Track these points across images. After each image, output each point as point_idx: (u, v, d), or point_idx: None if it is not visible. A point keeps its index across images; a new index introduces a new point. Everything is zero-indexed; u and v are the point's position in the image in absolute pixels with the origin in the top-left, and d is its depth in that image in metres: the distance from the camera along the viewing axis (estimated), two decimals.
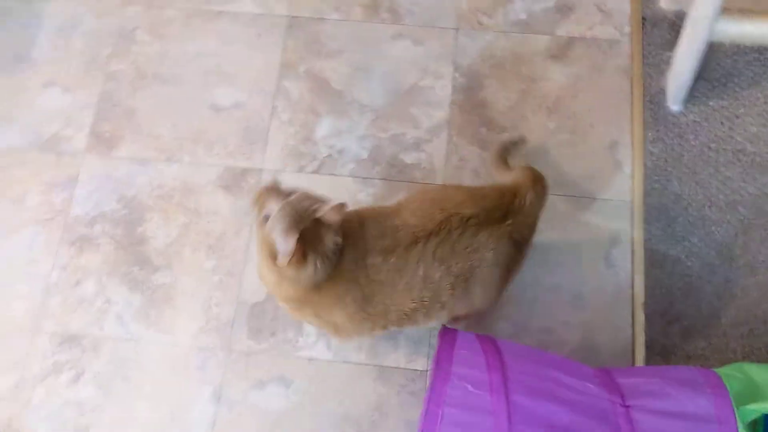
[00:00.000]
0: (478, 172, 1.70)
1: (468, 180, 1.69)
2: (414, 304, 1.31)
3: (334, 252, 1.24)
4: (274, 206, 1.20)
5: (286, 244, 1.16)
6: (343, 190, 1.70)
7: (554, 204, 1.64)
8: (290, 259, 1.17)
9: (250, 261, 1.65)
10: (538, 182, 1.40)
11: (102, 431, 1.54)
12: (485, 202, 1.31)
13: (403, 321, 1.35)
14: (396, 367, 1.54)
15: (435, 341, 1.55)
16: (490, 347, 1.29)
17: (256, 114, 1.79)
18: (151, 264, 1.66)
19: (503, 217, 1.31)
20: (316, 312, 1.35)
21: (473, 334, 1.34)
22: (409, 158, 1.73)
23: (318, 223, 1.21)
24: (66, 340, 1.61)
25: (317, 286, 1.26)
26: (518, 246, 1.35)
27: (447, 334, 1.32)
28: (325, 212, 1.21)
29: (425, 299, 1.30)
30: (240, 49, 1.86)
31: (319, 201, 1.23)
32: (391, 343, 1.56)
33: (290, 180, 1.68)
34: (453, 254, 1.27)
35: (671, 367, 1.38)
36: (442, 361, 1.24)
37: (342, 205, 1.22)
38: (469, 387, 1.19)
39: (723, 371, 1.24)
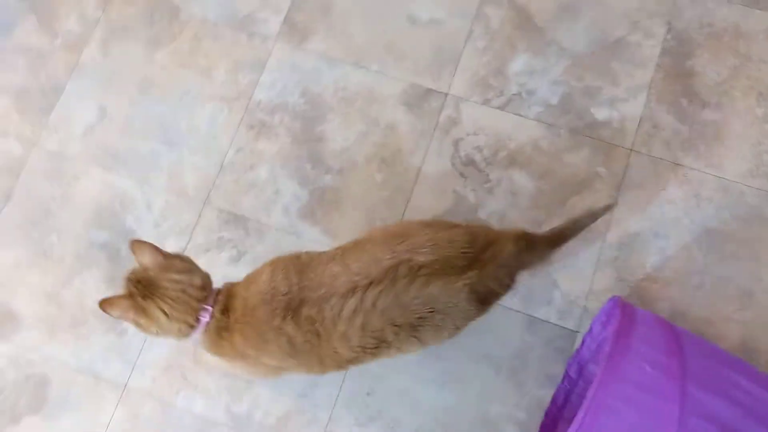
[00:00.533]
0: (669, 143, 1.63)
1: (656, 151, 1.62)
2: (354, 353, 1.20)
3: (183, 291, 1.18)
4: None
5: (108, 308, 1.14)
6: (525, 133, 1.66)
7: (743, 194, 1.57)
8: (131, 315, 1.15)
9: (420, 182, 1.65)
10: (522, 239, 1.26)
11: None
12: (447, 249, 1.17)
13: (348, 364, 1.25)
14: (546, 321, 1.54)
15: (590, 305, 1.54)
16: (668, 331, 1.27)
17: (452, 35, 1.75)
18: (324, 164, 1.68)
19: (466, 268, 1.17)
20: (244, 361, 1.26)
21: (652, 314, 1.32)
22: (600, 114, 1.67)
23: (160, 270, 1.17)
24: (232, 220, 1.66)
25: (220, 335, 1.22)
26: (481, 300, 1.21)
27: (626, 307, 1.30)
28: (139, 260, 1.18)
29: (368, 346, 1.20)
30: None
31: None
32: (545, 296, 1.56)
33: (472, 112, 1.65)
34: (397, 305, 1.15)
35: None
36: (622, 334, 1.23)
37: (135, 242, 1.18)
38: (647, 367, 1.18)
39: None
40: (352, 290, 1.15)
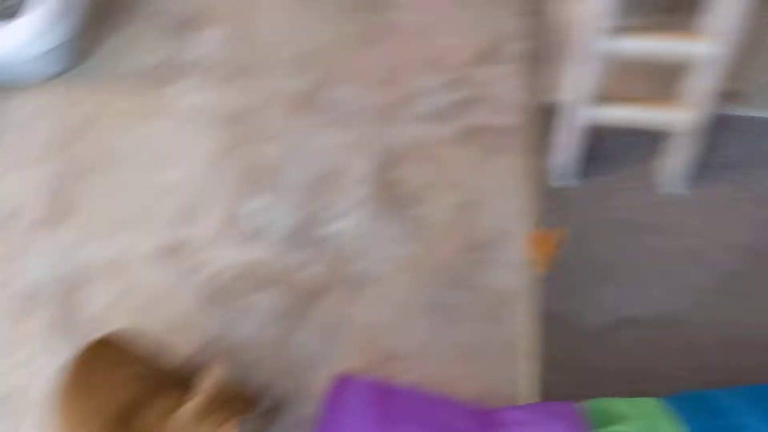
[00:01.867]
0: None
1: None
2: None
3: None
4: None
5: None
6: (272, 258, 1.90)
7: None
8: None
9: (172, 324, 1.80)
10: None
11: None
12: None
13: None
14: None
15: None
16: (381, 391, 1.44)
17: (197, 190, 2.03)
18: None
19: None
20: None
21: (369, 381, 1.48)
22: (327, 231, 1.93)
23: None
24: None
25: None
26: None
27: (342, 381, 1.47)
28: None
29: None
30: (181, 139, 2.13)
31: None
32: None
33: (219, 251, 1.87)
34: None
35: (543, 403, 1.53)
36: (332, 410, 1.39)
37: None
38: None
39: (588, 404, 1.39)
40: None
